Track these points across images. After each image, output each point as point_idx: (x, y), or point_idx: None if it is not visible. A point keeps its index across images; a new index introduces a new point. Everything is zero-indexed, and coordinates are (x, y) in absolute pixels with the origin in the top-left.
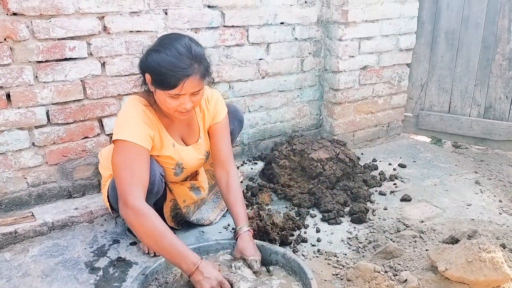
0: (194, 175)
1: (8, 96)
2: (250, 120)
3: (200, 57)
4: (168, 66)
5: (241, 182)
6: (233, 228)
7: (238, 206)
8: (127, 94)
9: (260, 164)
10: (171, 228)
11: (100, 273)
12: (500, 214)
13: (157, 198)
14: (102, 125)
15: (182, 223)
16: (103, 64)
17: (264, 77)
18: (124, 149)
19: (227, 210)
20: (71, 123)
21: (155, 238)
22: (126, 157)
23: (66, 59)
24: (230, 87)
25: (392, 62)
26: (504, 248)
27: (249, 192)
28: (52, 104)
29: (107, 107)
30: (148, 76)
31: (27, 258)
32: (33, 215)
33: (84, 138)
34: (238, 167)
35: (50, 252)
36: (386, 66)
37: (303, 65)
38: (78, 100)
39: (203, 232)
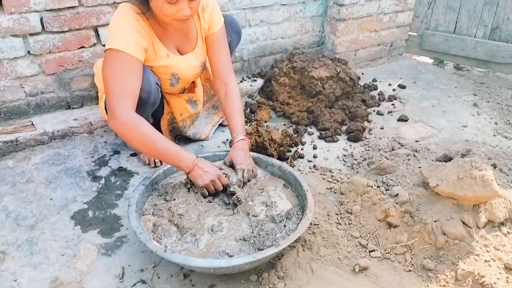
0: (191, 88)
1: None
2: (251, 35)
3: None
4: None
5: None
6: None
7: (235, 117)
8: (123, 1)
9: (260, 81)
10: None
11: (102, 181)
12: (494, 136)
13: (155, 110)
14: (98, 34)
15: (179, 138)
16: None
17: None
18: (115, 58)
19: (219, 125)
20: (66, 31)
21: (149, 145)
22: (116, 67)
23: None
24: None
25: None
26: (495, 168)
27: (248, 109)
28: (46, 10)
29: (103, 16)
30: None
31: (29, 166)
32: (32, 124)
33: (80, 47)
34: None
35: (52, 161)
36: None
37: None
38: (73, 7)
39: (202, 146)
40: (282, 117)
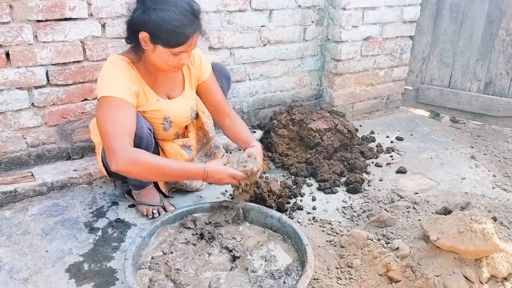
0: (185, 133)
1: (7, 55)
2: (250, 88)
3: (200, 13)
4: (177, 24)
5: (239, 149)
6: (230, 195)
7: (245, 132)
8: None
9: (259, 133)
10: (163, 194)
11: (99, 233)
12: (493, 188)
13: None
14: None
15: (174, 191)
16: (103, 26)
17: (265, 44)
18: (108, 103)
19: None
20: (71, 84)
21: (157, 171)
22: (110, 111)
23: (66, 19)
24: (231, 53)
25: (395, 34)
26: (495, 221)
27: None
28: (52, 64)
29: None
30: (144, 34)
31: (26, 217)
32: (32, 175)
33: (84, 100)
34: None
35: (50, 212)
36: (388, 38)
37: (306, 34)
38: (78, 62)
39: (201, 197)
40: (281, 168)
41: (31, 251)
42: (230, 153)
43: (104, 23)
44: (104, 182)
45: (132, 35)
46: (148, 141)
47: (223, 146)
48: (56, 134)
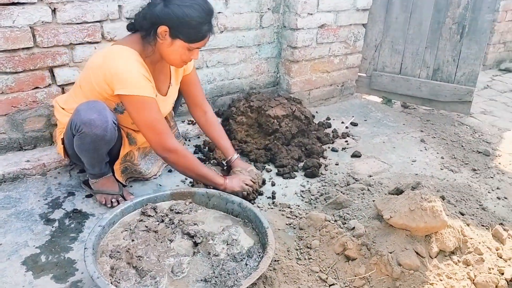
0: None
1: None
2: (208, 75)
3: (213, 13)
4: (199, 20)
5: (198, 137)
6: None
7: (223, 139)
8: (79, 44)
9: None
10: (119, 182)
11: (56, 224)
12: (442, 169)
13: (111, 148)
14: (54, 75)
15: (131, 180)
16: (53, 11)
17: (222, 31)
18: (147, 103)
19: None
20: (20, 72)
21: (193, 169)
22: (151, 110)
23: (13, 3)
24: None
25: (349, 22)
26: (443, 200)
27: (206, 147)
28: (0, 51)
29: (59, 57)
30: (164, 28)
31: None
32: None
33: (35, 88)
34: (194, 123)
35: (2, 204)
36: (343, 26)
37: (262, 21)
38: (28, 48)
39: (160, 185)
40: (240, 155)
41: None
42: (189, 141)
43: (54, 8)
44: (59, 173)
45: (150, 28)
46: (111, 134)
47: (182, 134)
48: (6, 123)
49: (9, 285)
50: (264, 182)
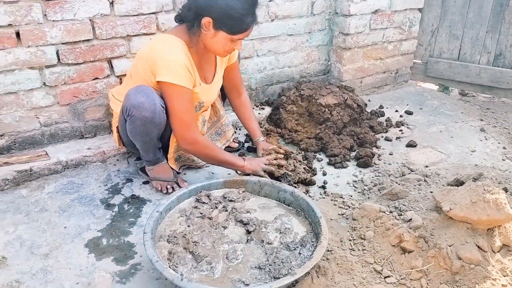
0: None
1: (18, 34)
2: (258, 64)
3: (258, 4)
4: (242, 12)
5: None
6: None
7: (252, 121)
8: (136, 35)
9: (268, 109)
10: (173, 170)
11: (116, 209)
12: (504, 160)
13: (162, 135)
14: (112, 66)
15: (184, 168)
16: (111, 3)
17: (273, 20)
18: (180, 92)
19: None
20: (81, 63)
21: (214, 158)
22: (184, 100)
23: None
24: None
25: (404, 7)
26: (506, 192)
27: None
28: (62, 43)
29: (116, 48)
30: (208, 20)
31: (43, 195)
32: (47, 154)
33: (95, 79)
34: None
35: (66, 189)
36: (397, 11)
37: (314, 8)
38: (88, 40)
39: (212, 173)
40: (290, 144)
41: (49, 228)
42: (240, 129)
43: (112, 0)
44: (117, 160)
45: (194, 19)
46: (160, 117)
47: (232, 123)
48: (68, 113)
49: (73, 266)
50: (297, 159)
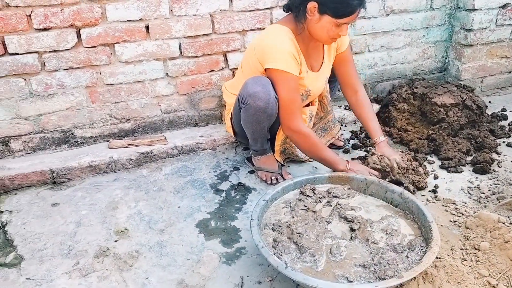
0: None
1: (147, 28)
2: (369, 60)
3: None
4: None
5: (355, 123)
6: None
7: (371, 120)
8: (251, 30)
9: (376, 107)
10: (278, 162)
11: (223, 194)
12: None
13: (272, 127)
14: (227, 59)
15: (288, 161)
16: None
17: (388, 14)
18: (287, 79)
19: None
20: (200, 56)
21: (315, 152)
22: (290, 87)
23: None
24: (351, 24)
25: None
26: None
27: (363, 133)
28: (184, 37)
29: (232, 42)
30: (313, 4)
31: (161, 176)
32: (165, 138)
33: (210, 71)
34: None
35: (180, 172)
36: None
37: (433, 2)
38: (207, 34)
39: (316, 168)
40: (399, 143)
41: (165, 206)
42: (345, 126)
43: None
44: (226, 149)
45: (300, 4)
46: (272, 108)
47: (338, 119)
48: (185, 102)
49: (185, 243)
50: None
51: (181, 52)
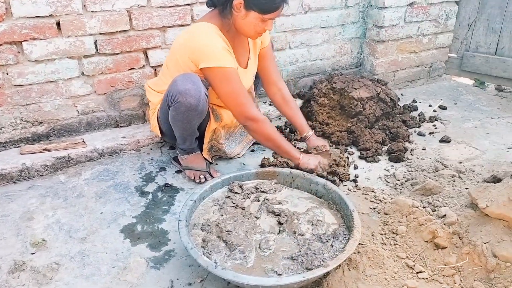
0: None
1: (58, 24)
2: (290, 56)
3: None
4: None
5: (279, 118)
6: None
7: (298, 117)
8: (171, 26)
9: (299, 102)
10: (205, 160)
11: (150, 197)
12: None
13: (200, 125)
14: (147, 57)
15: (216, 158)
16: None
17: (307, 11)
18: (228, 74)
19: (253, 144)
20: (118, 53)
21: (273, 140)
22: (233, 81)
23: None
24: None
25: None
26: None
27: (288, 128)
28: (100, 34)
29: (152, 39)
30: (239, 0)
31: (80, 181)
32: (83, 141)
33: (130, 69)
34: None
35: (102, 176)
36: (433, 3)
37: (347, 0)
38: (124, 31)
39: (244, 164)
40: (321, 136)
41: (86, 213)
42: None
43: None
44: (151, 149)
45: (226, 2)
46: (203, 105)
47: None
48: (104, 102)
49: (110, 250)
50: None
51: (97, 49)
